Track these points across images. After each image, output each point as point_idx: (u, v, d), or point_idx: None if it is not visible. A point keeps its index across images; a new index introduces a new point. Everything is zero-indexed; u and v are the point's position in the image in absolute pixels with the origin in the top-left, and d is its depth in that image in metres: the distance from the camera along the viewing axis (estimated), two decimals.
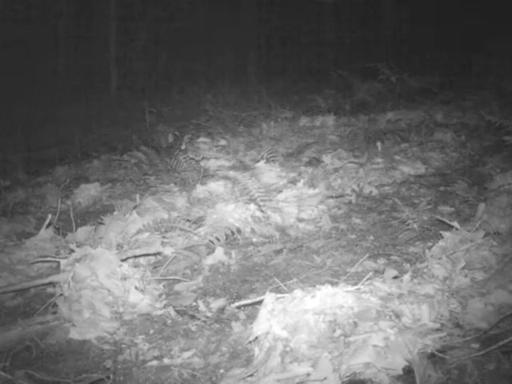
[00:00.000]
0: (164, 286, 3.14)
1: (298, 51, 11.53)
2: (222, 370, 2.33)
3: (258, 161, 4.92)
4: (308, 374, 2.07)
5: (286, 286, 2.89)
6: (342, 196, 4.32)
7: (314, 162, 5.13)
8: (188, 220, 3.78)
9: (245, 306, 2.78)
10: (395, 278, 2.67)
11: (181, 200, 4.25)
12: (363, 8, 11.67)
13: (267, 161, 4.92)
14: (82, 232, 3.73)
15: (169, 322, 2.77)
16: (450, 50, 9.63)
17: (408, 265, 3.07)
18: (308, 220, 3.95)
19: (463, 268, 2.72)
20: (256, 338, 2.32)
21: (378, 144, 5.37)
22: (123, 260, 3.06)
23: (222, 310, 2.84)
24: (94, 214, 4.44)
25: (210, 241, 3.56)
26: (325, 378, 2.04)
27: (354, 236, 3.69)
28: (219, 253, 3.46)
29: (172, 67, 11.56)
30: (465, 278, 2.68)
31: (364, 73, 8.07)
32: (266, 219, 3.84)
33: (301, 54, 11.44)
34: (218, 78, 10.19)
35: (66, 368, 2.44)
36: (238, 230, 3.72)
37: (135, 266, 3.18)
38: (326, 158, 4.98)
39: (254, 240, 3.70)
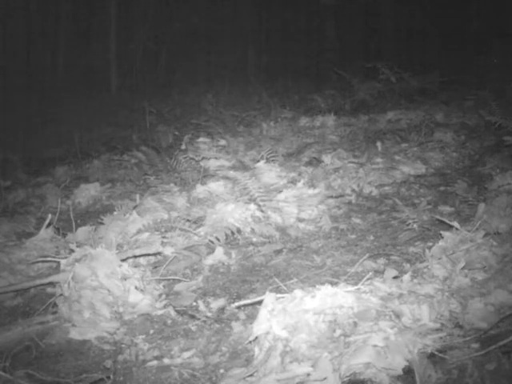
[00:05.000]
0: (164, 286, 3.14)
1: (298, 51, 11.55)
2: (221, 370, 2.33)
3: (258, 161, 4.91)
4: (308, 374, 2.07)
5: (285, 285, 2.89)
6: (342, 196, 4.31)
7: (314, 162, 5.13)
8: (188, 220, 3.78)
9: (245, 305, 2.78)
10: (395, 278, 2.67)
11: (181, 200, 4.25)
12: (363, 8, 11.69)
13: (267, 161, 4.91)
14: (82, 232, 3.73)
15: (169, 321, 2.77)
16: (451, 49, 9.64)
17: (408, 265, 3.07)
18: (308, 220, 3.95)
19: (463, 268, 2.71)
20: (256, 337, 2.32)
21: (378, 144, 5.37)
22: (123, 260, 3.05)
23: (222, 310, 2.84)
24: (94, 214, 4.44)
25: (210, 241, 3.56)
26: (325, 378, 2.04)
27: (354, 236, 3.68)
28: (219, 253, 3.45)
29: (172, 67, 11.58)
30: (465, 278, 2.67)
31: (364, 73, 8.08)
32: (266, 219, 3.84)
33: (301, 54, 11.46)
34: (218, 77, 10.20)
35: (65, 368, 2.44)
36: (238, 230, 3.71)
37: (135, 266, 3.18)
38: (326, 158, 4.98)
39: (254, 240, 3.70)
